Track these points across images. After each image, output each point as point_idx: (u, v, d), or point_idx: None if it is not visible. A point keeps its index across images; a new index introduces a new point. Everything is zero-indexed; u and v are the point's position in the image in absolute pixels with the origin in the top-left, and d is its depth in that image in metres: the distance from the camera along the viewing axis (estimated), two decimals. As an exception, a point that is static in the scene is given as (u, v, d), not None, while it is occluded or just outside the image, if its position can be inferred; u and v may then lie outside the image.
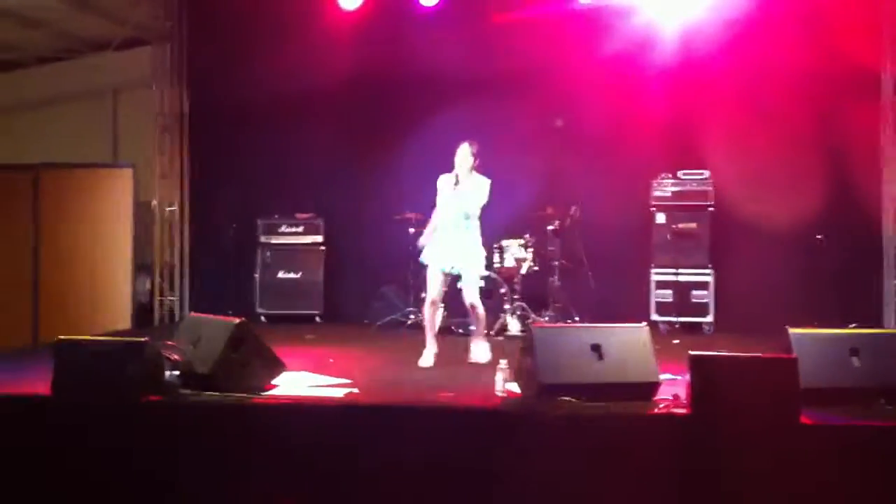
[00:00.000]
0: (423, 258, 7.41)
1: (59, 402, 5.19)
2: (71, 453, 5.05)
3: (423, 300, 9.65)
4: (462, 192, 7.16)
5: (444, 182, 7.27)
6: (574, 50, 10.06)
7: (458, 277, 7.40)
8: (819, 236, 9.46)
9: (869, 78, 9.75)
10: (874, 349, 5.43)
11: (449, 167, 7.27)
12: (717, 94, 9.88)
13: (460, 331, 9.06)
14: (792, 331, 5.39)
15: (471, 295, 7.28)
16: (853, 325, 6.49)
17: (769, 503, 4.66)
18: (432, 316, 7.39)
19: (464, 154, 7.18)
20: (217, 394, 5.41)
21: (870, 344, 5.46)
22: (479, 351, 7.36)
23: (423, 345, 7.33)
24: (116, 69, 11.64)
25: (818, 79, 9.67)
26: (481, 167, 7.24)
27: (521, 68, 10.04)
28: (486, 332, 7.55)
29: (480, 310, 7.33)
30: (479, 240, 7.37)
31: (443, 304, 9.18)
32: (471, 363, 7.26)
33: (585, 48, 10.00)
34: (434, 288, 7.33)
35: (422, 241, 7.47)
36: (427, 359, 7.25)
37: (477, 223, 7.33)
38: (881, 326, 9.21)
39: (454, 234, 7.26)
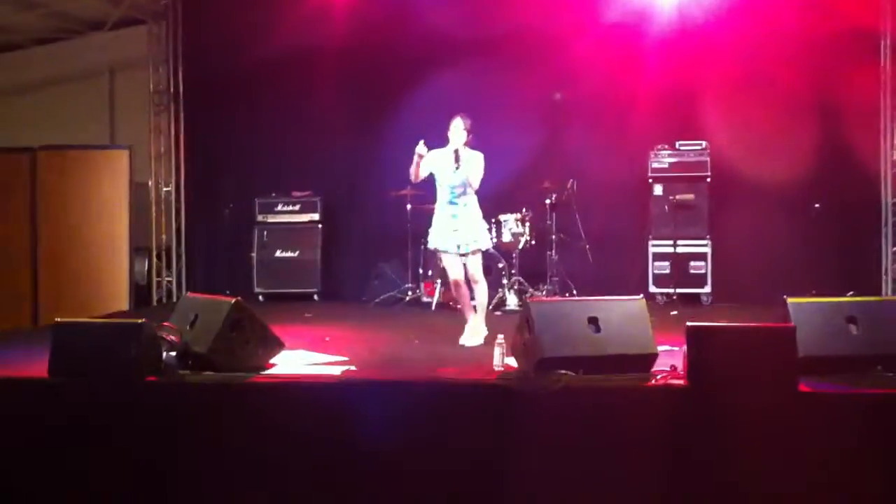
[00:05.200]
0: (432, 244, 7.31)
1: (56, 383, 5.19)
2: (69, 436, 5.05)
3: (420, 276, 9.69)
4: (462, 167, 7.01)
5: (438, 158, 7.08)
6: (572, 21, 9.98)
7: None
8: (816, 205, 9.46)
9: (867, 43, 9.70)
10: (872, 317, 5.41)
11: (446, 141, 7.14)
12: (715, 63, 9.83)
13: (459, 307, 9.04)
14: (790, 300, 5.38)
15: (473, 269, 7.18)
16: (851, 293, 6.49)
17: (767, 472, 4.67)
18: (462, 294, 7.24)
19: (457, 128, 7.04)
20: (215, 373, 5.41)
21: (867, 312, 5.44)
22: (472, 333, 7.10)
23: (423, 323, 7.29)
24: (112, 49, 11.57)
25: (815, 46, 9.62)
26: (473, 141, 7.09)
27: (519, 41, 10.00)
28: (487, 307, 7.38)
29: (483, 284, 7.21)
30: (479, 213, 7.26)
31: (439, 280, 9.16)
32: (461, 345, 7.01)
33: (583, 19, 9.94)
34: (453, 270, 7.21)
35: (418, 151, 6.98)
36: (470, 337, 7.08)
37: (475, 197, 7.21)
38: (879, 293, 9.22)
39: (454, 212, 7.15)
